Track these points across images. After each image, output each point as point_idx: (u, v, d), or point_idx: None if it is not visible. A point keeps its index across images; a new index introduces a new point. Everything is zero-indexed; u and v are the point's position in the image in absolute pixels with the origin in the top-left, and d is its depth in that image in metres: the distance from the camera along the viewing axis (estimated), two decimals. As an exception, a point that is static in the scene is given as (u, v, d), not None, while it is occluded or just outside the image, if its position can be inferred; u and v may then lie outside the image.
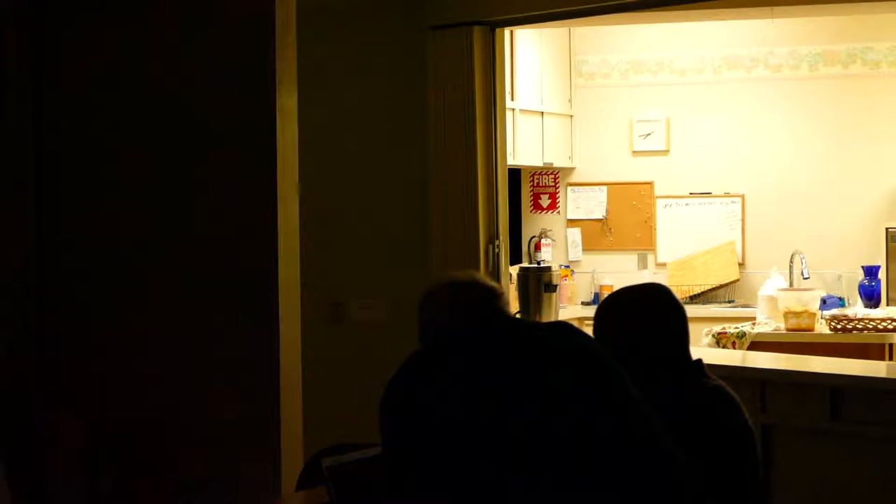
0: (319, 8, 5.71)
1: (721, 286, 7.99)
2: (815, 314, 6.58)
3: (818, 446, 4.50)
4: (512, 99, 7.22)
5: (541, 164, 7.91)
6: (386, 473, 2.70)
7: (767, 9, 6.65)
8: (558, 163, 8.10)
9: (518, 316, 3.02)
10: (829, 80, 7.88)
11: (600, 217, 8.25)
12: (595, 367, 2.65)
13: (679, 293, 7.86)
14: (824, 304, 6.95)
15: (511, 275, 6.31)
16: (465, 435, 2.55)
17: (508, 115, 6.69)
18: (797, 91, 7.93)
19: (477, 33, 5.96)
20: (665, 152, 8.17)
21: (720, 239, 8.04)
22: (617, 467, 2.53)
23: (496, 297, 2.82)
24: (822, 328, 6.57)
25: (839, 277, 7.63)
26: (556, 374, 2.60)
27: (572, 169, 8.27)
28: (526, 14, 6.00)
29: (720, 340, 6.51)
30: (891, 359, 6.33)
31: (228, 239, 4.84)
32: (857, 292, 7.13)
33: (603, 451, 2.53)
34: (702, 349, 6.05)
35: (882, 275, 7.15)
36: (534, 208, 8.37)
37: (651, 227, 8.18)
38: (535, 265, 7.11)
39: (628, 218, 8.22)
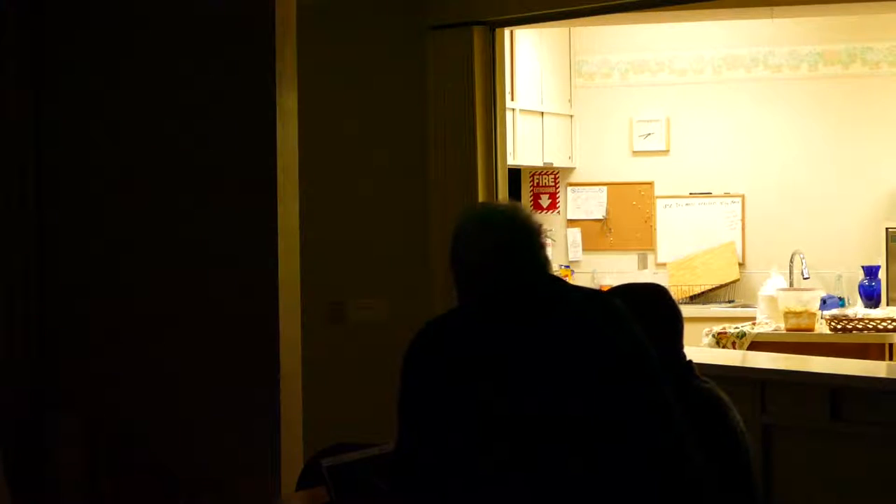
0: (319, 8, 5.71)
1: (721, 286, 7.99)
2: (815, 314, 6.58)
3: (818, 446, 4.50)
4: (512, 99, 7.22)
5: (541, 164, 7.91)
6: (397, 455, 2.56)
7: (767, 9, 6.64)
8: (558, 163, 8.10)
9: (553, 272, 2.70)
10: (829, 80, 7.88)
11: (600, 217, 8.25)
12: (628, 359, 2.50)
13: (679, 293, 7.89)
14: (824, 304, 6.95)
15: (511, 275, 6.30)
16: (478, 420, 2.44)
17: (508, 115, 6.69)
18: (797, 91, 7.93)
19: (477, 33, 5.96)
20: (665, 152, 8.17)
21: (720, 239, 8.04)
22: (635, 465, 2.44)
23: (533, 236, 2.61)
24: (822, 328, 6.57)
25: (839, 277, 7.62)
26: (581, 365, 2.46)
27: (572, 169, 8.27)
28: (526, 14, 6.00)
29: (720, 340, 6.51)
30: (891, 359, 6.33)
31: (228, 239, 4.85)
32: (857, 292, 7.13)
33: (626, 448, 2.44)
34: (702, 349, 6.05)
35: (882, 275, 7.15)
36: (534, 208, 8.36)
37: (651, 227, 8.18)
38: (535, 265, 7.10)
39: (628, 218, 8.22)
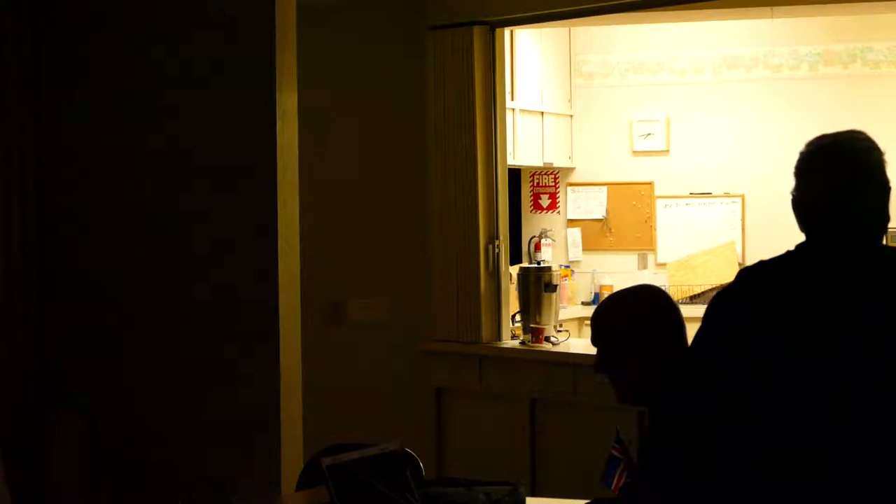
0: (319, 8, 5.71)
1: (721, 286, 7.98)
2: (815, 314, 6.57)
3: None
4: (512, 99, 7.22)
5: (541, 164, 7.91)
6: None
7: (767, 9, 6.64)
8: (558, 163, 8.10)
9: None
10: (829, 80, 7.88)
11: (600, 217, 8.25)
12: None
13: (679, 293, 7.88)
14: (824, 304, 6.94)
15: (511, 275, 6.31)
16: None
17: (508, 115, 6.69)
18: (797, 91, 7.93)
19: (477, 33, 5.96)
20: (665, 152, 8.16)
21: (720, 239, 8.04)
22: None
23: (880, 188, 2.43)
24: (822, 328, 6.55)
25: (839, 277, 7.61)
26: None
27: (572, 169, 8.27)
28: (526, 14, 6.01)
29: (720, 340, 6.50)
30: (891, 359, 6.32)
31: (229, 239, 4.85)
32: (857, 292, 7.12)
33: None
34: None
35: (882, 275, 7.14)
36: (534, 208, 8.36)
37: (651, 227, 8.18)
38: (535, 265, 7.11)
39: (628, 218, 8.22)
